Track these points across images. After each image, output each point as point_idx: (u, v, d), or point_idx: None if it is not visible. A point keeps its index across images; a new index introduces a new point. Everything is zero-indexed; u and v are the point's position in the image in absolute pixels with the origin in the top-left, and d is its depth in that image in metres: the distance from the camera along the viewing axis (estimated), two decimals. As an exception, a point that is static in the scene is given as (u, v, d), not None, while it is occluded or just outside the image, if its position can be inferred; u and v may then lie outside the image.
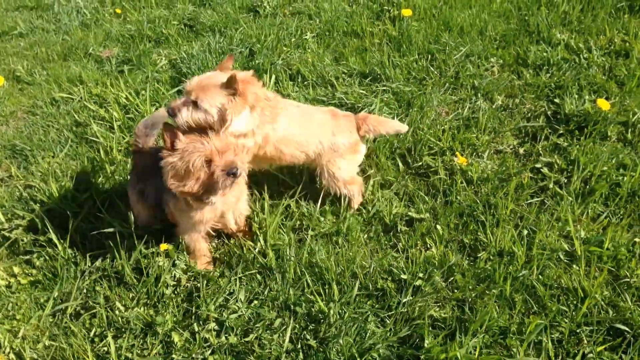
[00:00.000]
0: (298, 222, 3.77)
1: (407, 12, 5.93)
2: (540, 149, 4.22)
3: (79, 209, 3.92)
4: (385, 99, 4.80)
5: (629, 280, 3.20)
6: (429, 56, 5.42)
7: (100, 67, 6.06)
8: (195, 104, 3.13)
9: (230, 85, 3.12)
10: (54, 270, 3.55)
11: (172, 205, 3.29)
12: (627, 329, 2.95)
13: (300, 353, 2.98)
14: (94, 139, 4.72)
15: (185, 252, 3.47)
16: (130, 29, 6.81)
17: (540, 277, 3.24)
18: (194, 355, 3.00)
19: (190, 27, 6.78)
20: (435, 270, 3.31)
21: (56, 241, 3.61)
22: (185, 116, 3.13)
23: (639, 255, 3.35)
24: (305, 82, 5.27)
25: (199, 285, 3.34)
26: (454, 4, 6.31)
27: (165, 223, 3.54)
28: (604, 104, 4.22)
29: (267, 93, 3.47)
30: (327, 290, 3.25)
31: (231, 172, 2.93)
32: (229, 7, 6.99)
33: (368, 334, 2.99)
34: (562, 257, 3.38)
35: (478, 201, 3.78)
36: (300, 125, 3.59)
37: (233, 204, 3.40)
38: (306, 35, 6.06)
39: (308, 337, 3.04)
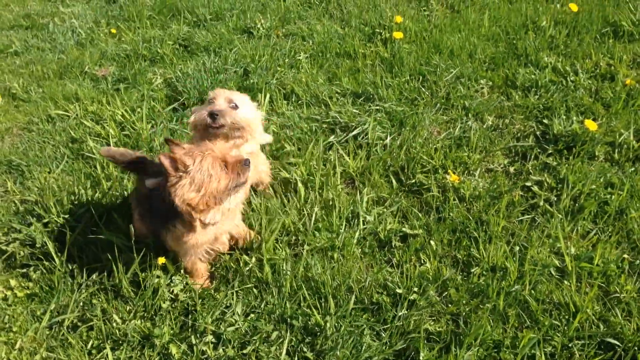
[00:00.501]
0: (294, 237, 3.80)
1: (398, 35, 6.05)
2: (530, 167, 4.30)
3: (77, 223, 3.93)
4: (378, 118, 4.87)
5: (618, 295, 3.26)
6: (420, 77, 5.52)
7: (96, 85, 6.11)
8: (236, 106, 3.50)
9: None
10: (50, 283, 3.55)
11: (167, 236, 3.28)
12: (617, 343, 3.00)
13: (297, 365, 3.01)
14: (90, 155, 4.75)
15: (183, 272, 3.49)
16: (126, 48, 6.87)
17: (532, 292, 3.29)
18: (191, 368, 3.02)
19: (185, 47, 6.86)
20: (429, 284, 3.36)
21: (53, 254, 3.62)
22: (231, 116, 3.43)
23: (628, 271, 3.41)
24: (299, 101, 5.34)
25: (195, 299, 3.36)
26: (444, 27, 6.43)
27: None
28: (591, 125, 4.31)
29: None
30: (323, 304, 3.28)
31: (246, 164, 3.04)
32: (223, 28, 7.08)
33: (364, 347, 3.02)
34: (553, 272, 3.43)
35: (470, 218, 3.84)
36: None
37: (230, 224, 3.41)
38: (299, 55, 6.15)
39: (305, 349, 3.06)
